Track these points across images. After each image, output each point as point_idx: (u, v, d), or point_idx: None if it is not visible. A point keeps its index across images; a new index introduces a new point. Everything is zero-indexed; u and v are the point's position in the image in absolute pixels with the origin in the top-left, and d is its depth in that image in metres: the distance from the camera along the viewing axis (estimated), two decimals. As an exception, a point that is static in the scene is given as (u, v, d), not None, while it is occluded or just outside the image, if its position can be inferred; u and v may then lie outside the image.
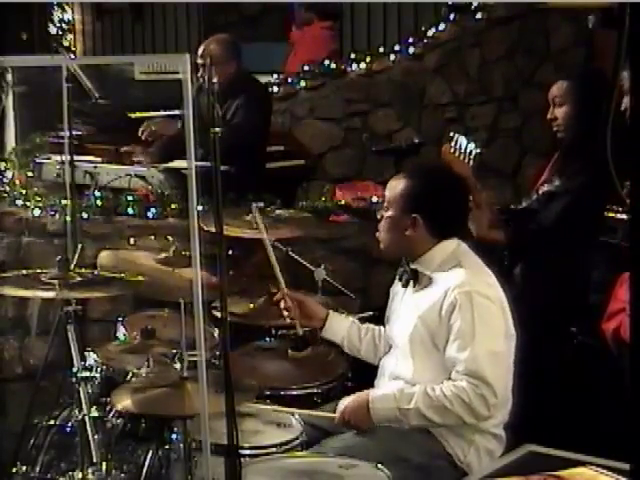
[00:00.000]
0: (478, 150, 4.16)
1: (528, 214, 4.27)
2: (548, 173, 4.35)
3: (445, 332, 3.17)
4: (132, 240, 4.15)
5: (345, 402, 3.29)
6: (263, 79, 6.49)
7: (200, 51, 5.33)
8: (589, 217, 4.19)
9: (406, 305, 3.39)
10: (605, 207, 4.24)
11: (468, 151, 4.14)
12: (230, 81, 5.29)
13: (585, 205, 4.15)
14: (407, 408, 3.15)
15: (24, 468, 3.55)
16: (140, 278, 3.42)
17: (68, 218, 3.87)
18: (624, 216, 4.20)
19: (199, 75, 5.07)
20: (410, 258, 3.36)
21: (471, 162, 4.13)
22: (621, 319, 3.45)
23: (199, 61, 5.18)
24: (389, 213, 3.36)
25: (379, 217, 3.42)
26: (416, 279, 3.34)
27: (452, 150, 4.18)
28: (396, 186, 3.35)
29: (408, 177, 3.36)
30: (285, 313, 3.63)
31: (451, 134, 4.26)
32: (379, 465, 2.95)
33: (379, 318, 3.68)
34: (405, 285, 3.39)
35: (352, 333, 3.64)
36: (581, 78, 4.40)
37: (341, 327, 3.64)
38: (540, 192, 4.30)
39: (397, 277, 3.47)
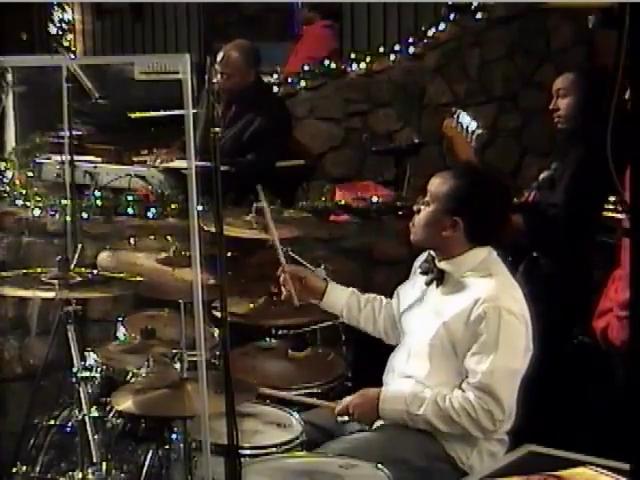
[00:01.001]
0: (480, 130, 4.08)
1: (531, 206, 4.27)
2: (547, 164, 4.38)
3: (468, 341, 3.16)
4: (132, 240, 4.14)
5: (353, 396, 3.30)
6: (263, 79, 6.49)
7: (219, 57, 5.26)
8: (592, 194, 4.15)
9: (428, 305, 3.34)
10: (606, 188, 4.23)
11: (470, 130, 4.08)
12: (248, 89, 5.28)
13: (586, 179, 4.10)
14: (415, 414, 3.17)
15: (24, 468, 3.55)
16: (140, 278, 3.42)
17: (68, 218, 3.87)
18: (624, 216, 4.20)
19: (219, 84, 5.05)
20: (440, 256, 3.33)
21: (474, 142, 4.07)
22: (609, 319, 3.44)
23: (217, 67, 5.12)
24: (430, 209, 3.31)
25: (416, 209, 3.37)
26: (441, 280, 3.32)
27: (454, 125, 4.12)
28: (443, 184, 3.30)
29: (457, 177, 3.30)
30: (283, 289, 3.63)
31: (453, 109, 4.21)
32: (379, 465, 2.95)
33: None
34: (429, 283, 3.36)
35: (351, 304, 3.63)
36: (586, 71, 4.41)
37: (340, 299, 3.63)
38: (540, 179, 4.32)
39: (418, 271, 3.42)
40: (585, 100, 4.20)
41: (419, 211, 3.35)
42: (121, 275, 3.41)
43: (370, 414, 3.24)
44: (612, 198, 4.46)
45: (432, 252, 3.37)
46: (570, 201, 4.12)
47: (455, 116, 4.11)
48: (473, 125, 4.06)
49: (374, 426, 3.32)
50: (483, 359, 3.11)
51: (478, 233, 3.28)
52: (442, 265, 3.31)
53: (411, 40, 6.60)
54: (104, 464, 3.31)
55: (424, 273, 3.37)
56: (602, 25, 6.59)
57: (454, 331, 3.19)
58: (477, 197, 3.28)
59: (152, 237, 4.34)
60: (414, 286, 3.47)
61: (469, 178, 3.35)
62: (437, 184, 3.32)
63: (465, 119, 4.08)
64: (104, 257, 3.72)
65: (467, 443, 3.23)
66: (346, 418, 3.33)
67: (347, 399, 3.30)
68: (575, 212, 4.12)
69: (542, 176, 4.32)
